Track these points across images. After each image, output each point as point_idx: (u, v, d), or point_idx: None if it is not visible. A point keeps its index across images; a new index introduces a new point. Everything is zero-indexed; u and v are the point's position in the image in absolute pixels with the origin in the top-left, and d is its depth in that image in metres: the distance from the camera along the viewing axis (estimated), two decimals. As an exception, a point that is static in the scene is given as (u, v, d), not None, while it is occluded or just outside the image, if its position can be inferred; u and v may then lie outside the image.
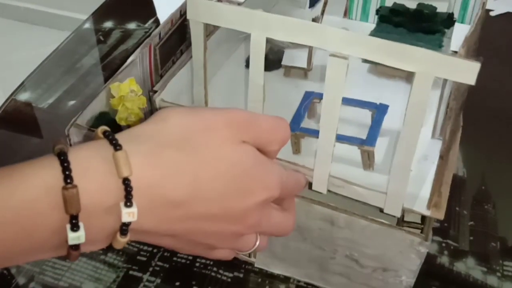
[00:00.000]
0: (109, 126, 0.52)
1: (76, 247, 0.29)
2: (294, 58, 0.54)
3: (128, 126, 0.55)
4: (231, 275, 0.50)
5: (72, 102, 0.67)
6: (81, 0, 2.03)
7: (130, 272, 0.50)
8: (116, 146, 0.30)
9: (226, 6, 0.37)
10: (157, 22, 0.81)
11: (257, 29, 0.37)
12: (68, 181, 0.28)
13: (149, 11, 0.82)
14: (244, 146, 0.33)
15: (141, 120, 0.56)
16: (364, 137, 0.43)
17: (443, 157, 0.37)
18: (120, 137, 0.31)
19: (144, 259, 0.51)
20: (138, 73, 0.57)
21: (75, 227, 0.28)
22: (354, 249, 0.44)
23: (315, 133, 0.44)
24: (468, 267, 0.51)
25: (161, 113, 0.33)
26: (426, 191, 0.40)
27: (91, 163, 0.30)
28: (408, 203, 0.39)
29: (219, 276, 0.50)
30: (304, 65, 0.54)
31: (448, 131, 0.36)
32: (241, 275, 0.50)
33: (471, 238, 0.54)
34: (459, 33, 0.46)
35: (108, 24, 0.80)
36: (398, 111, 0.47)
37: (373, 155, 0.42)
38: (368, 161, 0.43)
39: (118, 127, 0.54)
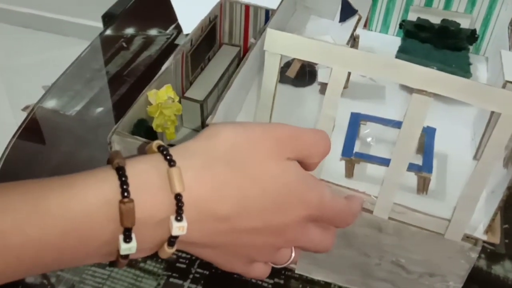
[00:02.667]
0: (146, 132, 0.52)
1: (126, 256, 0.31)
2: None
3: (164, 133, 0.55)
4: (271, 281, 0.50)
5: (99, 109, 0.67)
6: (84, 6, 2.02)
7: (171, 279, 0.50)
8: (171, 162, 0.31)
9: (308, 40, 0.37)
10: (178, 28, 0.81)
11: (338, 64, 0.37)
12: (125, 194, 0.29)
13: (170, 17, 0.82)
14: (287, 162, 0.34)
15: (176, 127, 0.56)
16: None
17: (510, 188, 0.38)
18: (174, 152, 0.32)
19: (184, 266, 0.51)
20: (172, 80, 0.57)
21: (127, 239, 0.30)
22: (401, 255, 0.44)
23: (372, 159, 0.45)
24: (506, 269, 0.52)
25: (212, 129, 0.34)
26: (478, 214, 0.41)
27: (147, 178, 0.31)
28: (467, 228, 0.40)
29: (259, 282, 0.50)
30: None
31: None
32: (282, 282, 0.50)
33: (506, 241, 0.54)
34: (509, 61, 0.47)
35: (130, 31, 0.80)
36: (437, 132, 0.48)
37: (429, 181, 0.43)
38: (423, 186, 0.43)
39: (154, 134, 0.54)
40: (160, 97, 0.52)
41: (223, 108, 0.46)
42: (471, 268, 0.42)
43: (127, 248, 0.30)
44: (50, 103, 0.68)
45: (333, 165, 0.47)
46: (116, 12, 1.93)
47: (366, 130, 0.51)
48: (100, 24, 1.99)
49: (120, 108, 0.67)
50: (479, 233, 0.41)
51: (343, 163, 0.46)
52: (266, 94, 0.40)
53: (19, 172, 0.59)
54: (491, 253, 0.53)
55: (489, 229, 0.40)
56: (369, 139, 0.48)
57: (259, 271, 0.38)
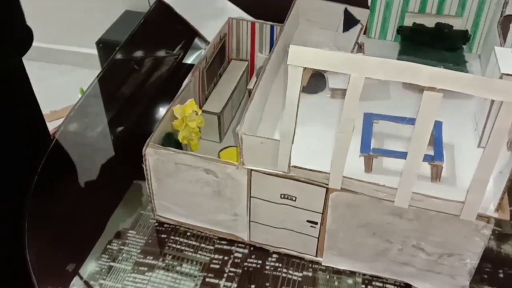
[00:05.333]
0: (174, 145, 0.56)
1: None
2: (340, 81, 0.59)
3: (188, 145, 0.59)
4: (300, 274, 0.54)
5: (120, 128, 0.71)
6: (74, 34, 2.06)
7: (207, 279, 0.54)
8: None
9: (327, 52, 0.41)
10: (184, 47, 0.85)
11: (357, 71, 0.41)
12: None
13: (175, 39, 0.87)
14: None
15: (199, 138, 0.60)
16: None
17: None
18: None
19: (217, 266, 0.55)
20: (191, 95, 0.61)
21: None
22: (421, 239, 0.48)
23: (389, 153, 0.49)
24: (514, 248, 0.56)
25: None
26: (488, 195, 0.45)
27: None
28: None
29: (290, 276, 0.54)
30: None
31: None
32: (310, 274, 0.54)
33: (512, 222, 0.59)
34: (503, 56, 0.52)
35: (139, 54, 0.84)
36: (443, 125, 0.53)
37: (442, 169, 0.47)
38: (436, 174, 0.48)
39: (180, 145, 0.58)
40: (185, 111, 0.56)
41: (249, 118, 0.50)
42: (485, 245, 0.46)
43: None
44: (72, 126, 0.71)
45: (352, 162, 0.51)
46: (109, 38, 1.97)
47: (379, 128, 0.55)
48: (92, 51, 2.03)
49: (140, 125, 0.71)
50: (490, 212, 0.45)
51: (361, 159, 0.50)
52: (290, 103, 0.44)
53: (53, 190, 0.63)
54: (499, 234, 0.57)
55: (499, 207, 0.45)
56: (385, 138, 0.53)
57: None
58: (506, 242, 0.57)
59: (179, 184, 0.54)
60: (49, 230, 0.59)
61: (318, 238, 0.52)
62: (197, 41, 0.87)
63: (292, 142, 0.46)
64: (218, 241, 0.57)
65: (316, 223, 0.51)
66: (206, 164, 0.51)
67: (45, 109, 2.12)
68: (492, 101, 0.51)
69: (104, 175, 0.65)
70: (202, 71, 0.64)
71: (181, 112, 0.56)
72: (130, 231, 0.58)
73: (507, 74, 0.50)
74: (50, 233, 0.58)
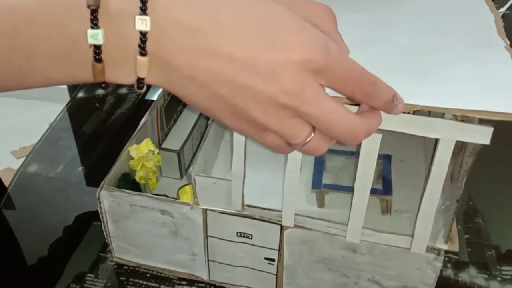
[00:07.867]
0: (130, 185, 0.56)
1: (98, 55, 0.29)
2: None
3: (146, 184, 0.59)
4: (261, 312, 0.54)
5: (80, 168, 0.70)
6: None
7: (167, 321, 0.53)
8: None
9: None
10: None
11: None
12: None
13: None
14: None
15: (157, 178, 0.60)
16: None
17: (459, 201, 0.43)
18: None
19: (177, 308, 0.54)
20: (149, 134, 0.61)
21: (94, 22, 0.28)
22: (376, 272, 0.48)
23: (339, 189, 0.50)
24: (471, 276, 0.57)
25: None
26: (437, 227, 0.46)
27: None
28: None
29: (250, 314, 0.54)
30: None
31: (464, 180, 0.42)
32: (271, 311, 0.54)
33: (469, 249, 0.59)
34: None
35: (101, 91, 0.84)
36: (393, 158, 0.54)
37: (391, 203, 0.48)
38: (386, 208, 0.49)
39: (138, 186, 0.58)
40: (141, 151, 0.56)
41: (203, 157, 0.50)
42: (438, 276, 0.47)
43: (94, 34, 0.28)
44: (32, 167, 0.71)
45: (307, 198, 0.52)
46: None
47: (333, 162, 0.56)
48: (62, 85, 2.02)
49: (101, 164, 0.70)
50: (440, 244, 0.46)
51: (314, 195, 0.51)
52: (238, 145, 0.45)
53: (11, 234, 0.62)
54: (456, 262, 0.58)
55: (448, 239, 0.46)
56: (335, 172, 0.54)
57: (272, 140, 0.33)
58: (463, 270, 0.57)
59: (136, 226, 0.53)
60: (5, 279, 0.57)
61: (276, 275, 0.52)
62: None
63: (244, 182, 0.47)
64: (178, 282, 0.56)
65: (273, 260, 0.51)
66: (161, 205, 0.51)
67: (14, 146, 2.10)
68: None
69: (63, 216, 0.64)
70: (160, 109, 0.64)
71: (137, 152, 0.56)
72: (89, 275, 0.57)
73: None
74: (6, 281, 0.57)
